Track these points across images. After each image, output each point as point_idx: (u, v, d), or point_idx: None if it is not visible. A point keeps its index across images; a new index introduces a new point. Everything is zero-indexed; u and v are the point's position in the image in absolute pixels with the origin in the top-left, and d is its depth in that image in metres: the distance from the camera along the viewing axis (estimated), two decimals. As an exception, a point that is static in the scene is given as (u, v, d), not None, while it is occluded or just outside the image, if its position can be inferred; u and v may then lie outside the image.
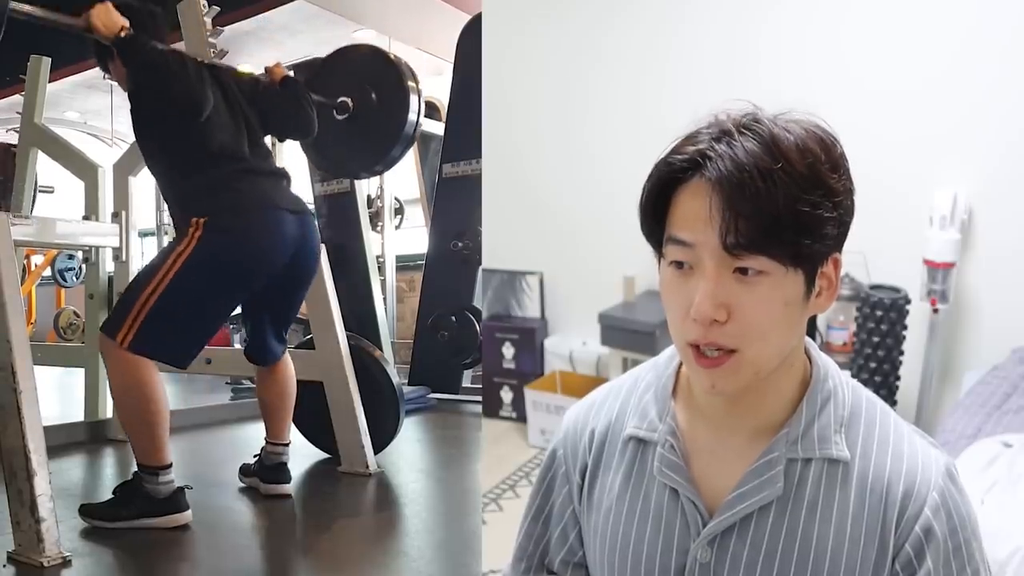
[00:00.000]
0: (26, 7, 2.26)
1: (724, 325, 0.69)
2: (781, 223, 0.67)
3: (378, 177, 5.63)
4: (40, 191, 3.97)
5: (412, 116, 3.32)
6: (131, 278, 3.33)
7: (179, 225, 2.27)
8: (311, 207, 5.24)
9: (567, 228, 2.55)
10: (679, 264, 0.71)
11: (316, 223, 2.50)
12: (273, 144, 3.26)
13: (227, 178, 2.25)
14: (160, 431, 2.15)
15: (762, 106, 0.73)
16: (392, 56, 3.51)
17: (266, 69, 2.76)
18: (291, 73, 2.73)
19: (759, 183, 0.67)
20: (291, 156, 4.20)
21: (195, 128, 2.23)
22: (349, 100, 3.28)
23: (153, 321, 2.11)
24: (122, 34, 2.17)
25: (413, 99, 3.31)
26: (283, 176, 2.41)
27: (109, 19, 2.18)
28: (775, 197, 0.67)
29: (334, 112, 3.25)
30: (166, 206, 2.56)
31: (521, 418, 2.57)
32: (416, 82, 3.38)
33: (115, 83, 2.44)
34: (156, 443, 2.15)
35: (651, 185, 0.74)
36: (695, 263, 0.70)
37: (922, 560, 0.71)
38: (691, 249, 0.70)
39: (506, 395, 2.66)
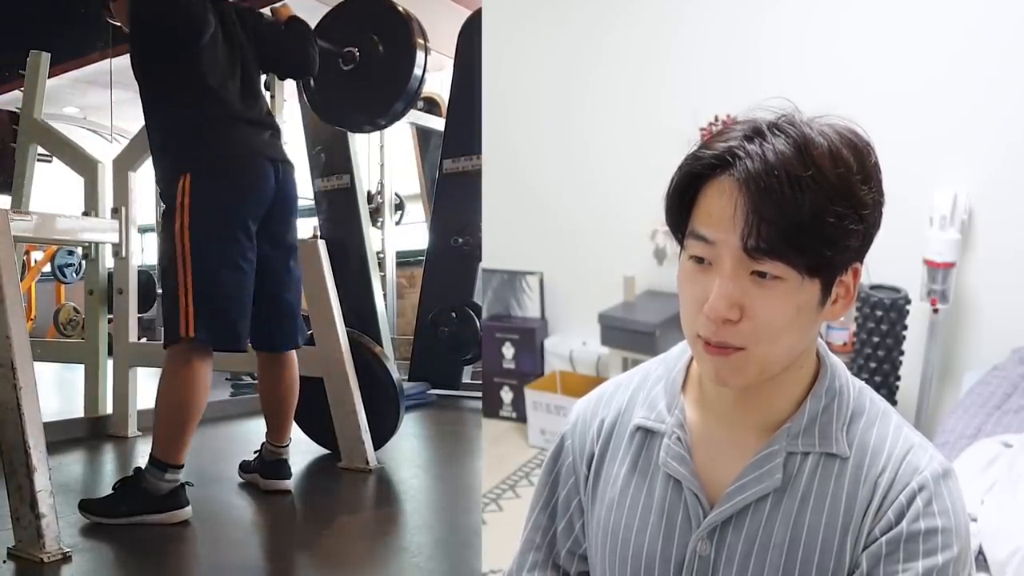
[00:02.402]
0: None
1: (736, 324, 0.69)
2: (804, 231, 0.67)
3: (378, 173, 5.63)
4: (39, 159, 4.00)
5: (418, 71, 3.24)
6: (131, 275, 3.36)
7: (167, 189, 2.25)
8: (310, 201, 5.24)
9: (567, 228, 2.54)
10: (699, 259, 0.71)
11: (294, 175, 2.46)
12: (272, 97, 3.21)
13: (212, 124, 2.25)
14: (189, 432, 2.18)
15: (799, 106, 0.72)
16: (403, 10, 3.39)
17: (272, 10, 2.71)
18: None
19: (786, 188, 0.66)
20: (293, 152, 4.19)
21: (189, 60, 2.22)
22: (356, 50, 3.19)
23: (201, 302, 2.15)
24: None
25: (420, 55, 3.23)
26: (269, 127, 2.38)
27: None
28: (801, 205, 0.66)
29: (340, 62, 3.16)
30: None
31: (521, 418, 2.57)
32: (425, 39, 3.30)
33: (114, 76, 2.43)
34: (181, 441, 2.17)
35: (678, 178, 0.73)
36: (714, 260, 0.70)
37: (899, 521, 0.71)
38: (712, 246, 0.70)
39: (506, 395, 2.66)
